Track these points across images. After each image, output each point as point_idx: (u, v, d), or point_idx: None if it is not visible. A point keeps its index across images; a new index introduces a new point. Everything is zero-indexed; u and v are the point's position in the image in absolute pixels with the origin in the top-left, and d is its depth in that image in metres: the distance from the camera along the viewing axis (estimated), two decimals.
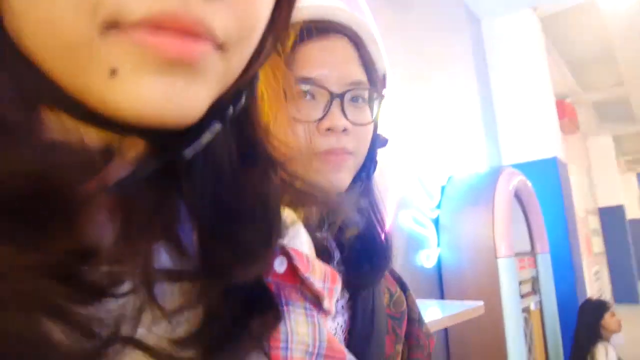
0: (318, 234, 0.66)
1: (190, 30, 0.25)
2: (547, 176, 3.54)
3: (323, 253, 0.65)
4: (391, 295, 0.78)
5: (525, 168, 3.01)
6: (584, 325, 2.95)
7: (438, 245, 2.51)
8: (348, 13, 0.73)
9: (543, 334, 2.70)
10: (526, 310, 2.51)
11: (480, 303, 1.94)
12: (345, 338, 0.66)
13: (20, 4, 0.25)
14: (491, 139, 3.51)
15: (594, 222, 8.04)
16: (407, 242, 2.33)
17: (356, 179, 0.72)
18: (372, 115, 0.72)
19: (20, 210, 0.25)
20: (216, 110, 0.31)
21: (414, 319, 0.79)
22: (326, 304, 0.41)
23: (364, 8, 2.06)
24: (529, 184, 2.73)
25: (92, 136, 0.28)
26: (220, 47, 0.27)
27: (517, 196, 2.62)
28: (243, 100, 0.34)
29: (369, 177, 0.75)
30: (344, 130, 0.67)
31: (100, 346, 0.27)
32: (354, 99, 0.71)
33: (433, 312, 1.78)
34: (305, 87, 0.68)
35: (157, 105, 0.26)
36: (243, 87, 0.34)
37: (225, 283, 0.34)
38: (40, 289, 0.25)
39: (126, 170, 0.30)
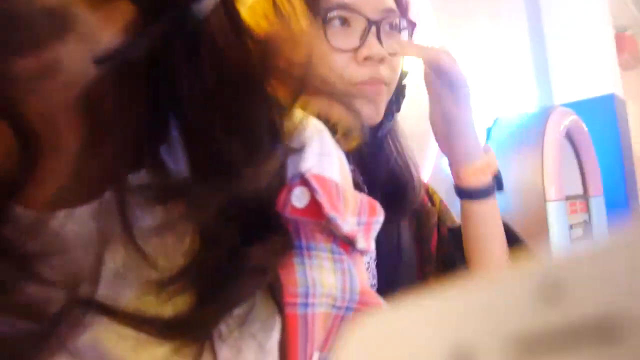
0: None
1: None
2: (603, 115, 3.34)
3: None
4: (419, 218, 0.75)
5: (579, 106, 2.85)
6: None
7: None
8: None
9: None
10: None
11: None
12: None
13: None
14: (542, 77, 3.32)
15: None
16: (450, 188, 2.23)
17: (386, 112, 0.70)
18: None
19: None
20: None
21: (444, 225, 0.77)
22: (361, 243, 0.34)
23: None
24: (582, 123, 2.58)
25: None
26: None
27: (569, 137, 2.48)
28: None
29: (398, 111, 0.74)
30: (381, 59, 0.65)
31: (52, 321, 0.23)
32: (389, 27, 0.68)
33: None
34: (340, 13, 0.64)
35: None
36: None
37: (217, 196, 0.28)
38: None
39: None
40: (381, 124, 0.70)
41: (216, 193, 0.28)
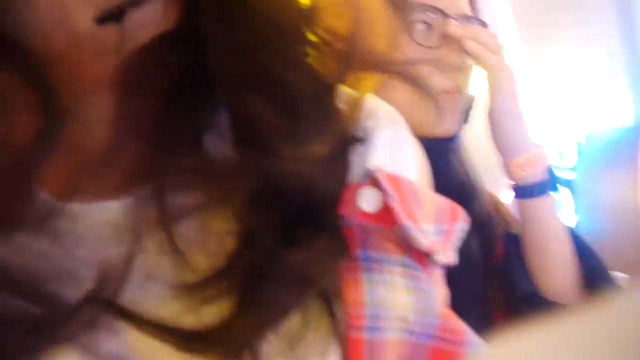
0: None
1: None
2: None
3: None
4: (484, 228, 0.73)
5: None
6: None
7: (575, 211, 2.27)
8: None
9: None
10: None
11: (624, 277, 1.73)
12: None
13: None
14: (637, 89, 3.12)
15: None
16: None
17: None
18: None
19: None
20: None
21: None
22: (441, 255, 0.29)
23: None
24: None
25: None
26: None
27: None
28: None
29: (467, 122, 0.74)
30: (460, 67, 0.68)
31: (59, 315, 0.20)
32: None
33: None
34: (423, 16, 0.63)
35: None
36: None
37: (259, 172, 0.25)
38: None
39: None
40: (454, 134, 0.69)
41: (249, 171, 0.25)
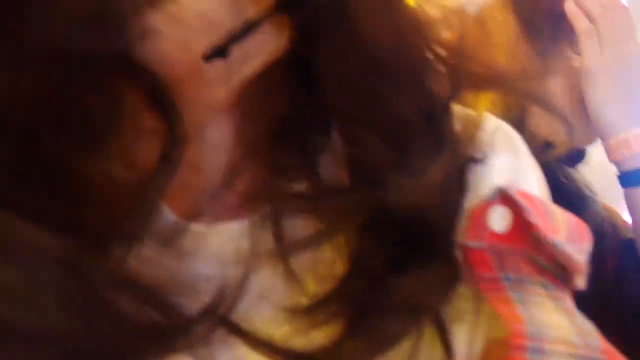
0: None
1: None
2: None
3: None
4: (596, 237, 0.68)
5: None
6: None
7: None
8: None
9: None
10: None
11: None
12: None
13: None
14: None
15: None
16: None
17: None
18: None
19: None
20: None
21: None
22: (579, 280, 0.27)
23: None
24: None
25: None
26: None
27: None
28: None
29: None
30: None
31: (181, 325, 0.22)
32: None
33: None
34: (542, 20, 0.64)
35: None
36: None
37: (363, 206, 0.25)
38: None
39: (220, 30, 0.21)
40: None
41: (363, 202, 0.25)
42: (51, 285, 0.18)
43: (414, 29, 0.27)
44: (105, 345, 0.19)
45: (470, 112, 0.30)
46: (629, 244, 0.69)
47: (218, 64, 0.21)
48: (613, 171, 0.68)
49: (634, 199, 0.67)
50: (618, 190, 0.68)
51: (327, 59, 0.25)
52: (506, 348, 0.24)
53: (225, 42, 0.21)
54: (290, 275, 0.25)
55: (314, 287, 0.26)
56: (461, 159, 0.28)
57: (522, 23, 0.62)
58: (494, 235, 0.26)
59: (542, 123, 0.60)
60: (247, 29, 0.22)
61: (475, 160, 0.28)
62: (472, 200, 0.28)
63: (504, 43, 0.57)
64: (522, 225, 0.26)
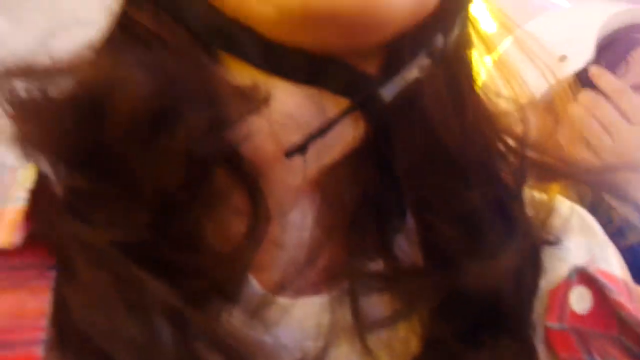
0: None
1: None
2: None
3: None
4: None
5: None
6: None
7: None
8: None
9: None
10: None
11: None
12: None
13: None
14: None
15: None
16: None
17: None
18: None
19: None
20: (421, 38, 0.25)
21: None
22: None
23: None
24: None
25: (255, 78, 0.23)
26: None
27: None
28: (456, 30, 0.26)
29: None
30: None
31: None
32: None
33: None
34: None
35: None
36: (458, 9, 0.26)
37: (448, 286, 0.26)
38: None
39: (307, 126, 0.24)
40: None
41: (438, 284, 0.26)
42: (167, 338, 0.20)
43: (485, 122, 0.28)
44: None
45: (543, 196, 0.30)
46: None
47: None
48: None
49: None
50: None
51: (399, 151, 0.27)
52: None
53: (306, 140, 0.24)
54: (367, 352, 0.26)
55: None
56: (535, 242, 0.28)
57: None
58: (576, 316, 0.26)
59: (617, 206, 0.59)
60: (326, 128, 0.24)
61: (550, 243, 0.28)
62: (549, 281, 0.28)
63: (575, 133, 0.56)
64: (604, 306, 0.26)
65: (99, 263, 0.20)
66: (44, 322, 0.20)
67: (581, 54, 0.67)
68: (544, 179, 0.31)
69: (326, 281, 0.27)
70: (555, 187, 0.31)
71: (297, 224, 0.27)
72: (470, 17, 0.28)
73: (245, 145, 0.22)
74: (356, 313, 0.26)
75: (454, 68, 0.27)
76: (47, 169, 0.22)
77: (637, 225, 0.64)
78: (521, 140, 0.28)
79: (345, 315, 0.26)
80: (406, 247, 0.28)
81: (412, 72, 0.25)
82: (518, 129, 0.29)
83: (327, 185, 0.27)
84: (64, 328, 0.20)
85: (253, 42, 0.23)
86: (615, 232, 0.64)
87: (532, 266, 0.28)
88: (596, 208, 0.55)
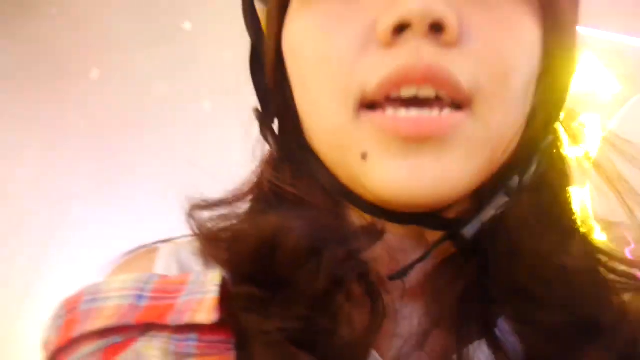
0: None
1: (429, 81, 0.26)
2: None
3: None
4: None
5: None
6: None
7: None
8: None
9: None
10: None
11: None
12: None
13: (302, 107, 0.31)
14: None
15: None
16: None
17: None
18: None
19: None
20: (499, 179, 0.29)
21: None
22: None
23: None
24: None
25: (363, 221, 0.32)
26: (467, 103, 0.27)
27: None
28: (533, 167, 0.31)
29: None
30: None
31: None
32: None
33: None
34: None
35: (406, 187, 0.27)
36: (532, 151, 0.31)
37: None
38: None
39: (406, 257, 0.32)
40: None
41: None
42: None
43: (580, 240, 0.32)
44: None
45: None
46: None
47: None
48: None
49: None
50: None
51: (494, 264, 0.31)
52: None
53: (406, 268, 0.31)
54: None
55: None
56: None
57: None
58: None
59: None
60: (423, 257, 0.30)
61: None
62: None
63: None
64: None
65: (268, 344, 0.26)
66: None
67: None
68: None
69: None
70: None
71: (406, 316, 0.31)
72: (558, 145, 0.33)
73: (369, 265, 0.29)
74: None
75: (539, 194, 0.31)
76: (226, 275, 0.29)
77: None
78: (624, 261, 0.32)
79: None
80: (509, 333, 0.31)
81: (490, 212, 0.30)
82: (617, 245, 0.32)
83: (431, 284, 0.32)
84: None
85: (364, 204, 0.31)
86: None
87: None
88: None
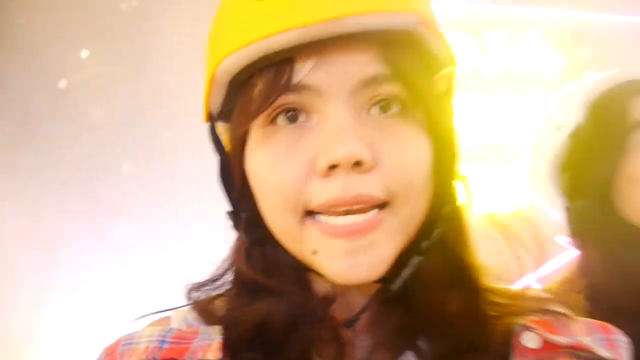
0: None
1: (356, 203, 0.37)
2: None
3: None
4: None
5: None
6: None
7: None
8: None
9: None
10: None
11: None
12: None
13: (264, 212, 0.42)
14: None
15: None
16: None
17: None
18: None
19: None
20: (413, 247, 0.42)
21: None
22: (605, 352, 0.41)
23: None
24: None
25: (325, 283, 0.42)
26: (385, 204, 0.38)
27: None
28: (436, 232, 0.43)
29: None
30: None
31: None
32: None
33: None
34: None
35: (347, 275, 0.39)
36: (434, 222, 0.43)
37: None
38: None
39: (359, 302, 0.43)
40: None
41: None
42: None
43: (475, 284, 0.44)
44: None
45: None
46: None
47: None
48: None
49: None
50: None
51: (413, 305, 0.43)
52: None
53: (355, 317, 0.42)
54: None
55: None
56: None
57: None
58: (525, 349, 0.41)
59: None
60: (364, 309, 0.43)
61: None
62: None
63: None
64: (549, 340, 0.41)
65: None
66: None
67: (572, 121, 0.81)
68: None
69: None
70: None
71: (360, 345, 0.43)
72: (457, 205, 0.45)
73: (331, 314, 0.41)
74: None
75: (441, 252, 0.43)
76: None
77: None
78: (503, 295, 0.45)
79: None
80: (424, 345, 0.43)
81: (407, 271, 0.42)
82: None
83: (372, 323, 0.44)
84: None
85: (323, 276, 0.41)
86: None
87: None
88: None
